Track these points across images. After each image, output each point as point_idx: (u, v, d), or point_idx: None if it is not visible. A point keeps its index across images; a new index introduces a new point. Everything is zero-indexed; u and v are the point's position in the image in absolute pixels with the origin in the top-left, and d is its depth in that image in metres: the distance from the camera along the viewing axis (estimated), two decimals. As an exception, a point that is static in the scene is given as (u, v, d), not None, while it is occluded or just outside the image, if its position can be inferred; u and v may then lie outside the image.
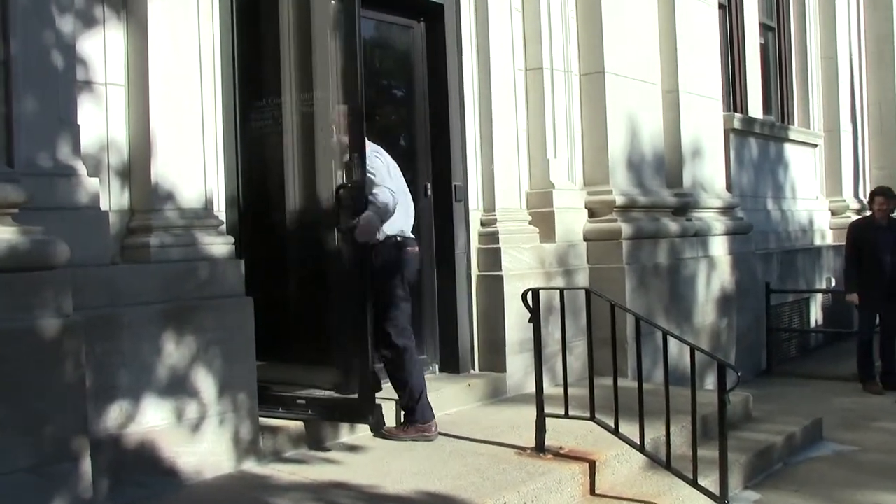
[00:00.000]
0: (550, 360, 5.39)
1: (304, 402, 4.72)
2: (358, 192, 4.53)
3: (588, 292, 4.78)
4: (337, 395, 4.77)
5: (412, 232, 5.01)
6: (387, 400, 4.89)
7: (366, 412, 4.62)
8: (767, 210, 9.69)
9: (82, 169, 3.89)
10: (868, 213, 8.62)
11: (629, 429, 4.45)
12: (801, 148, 10.59)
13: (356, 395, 4.60)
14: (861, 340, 7.70)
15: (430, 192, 6.01)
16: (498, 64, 6.19)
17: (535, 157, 6.47)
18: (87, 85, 4.11)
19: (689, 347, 4.29)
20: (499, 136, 6.16)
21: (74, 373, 3.42)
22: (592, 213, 6.74)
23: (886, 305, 7.53)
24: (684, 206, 7.41)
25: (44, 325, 3.34)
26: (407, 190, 5.03)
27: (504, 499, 3.93)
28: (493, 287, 5.96)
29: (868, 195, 8.13)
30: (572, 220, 6.58)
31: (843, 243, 10.50)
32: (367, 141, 4.61)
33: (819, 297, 10.11)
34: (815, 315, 10.10)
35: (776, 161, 10.00)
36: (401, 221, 4.88)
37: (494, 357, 5.94)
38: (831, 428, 6.03)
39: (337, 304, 4.80)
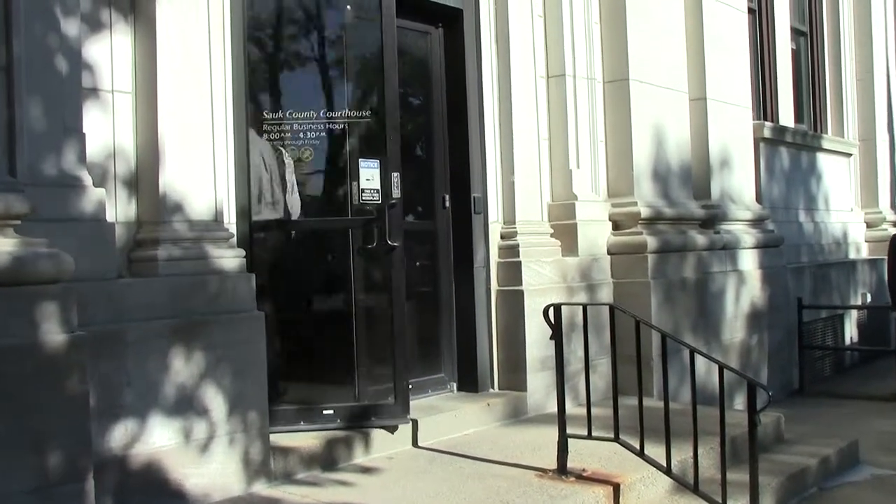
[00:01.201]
0: (573, 378, 5.27)
1: (331, 411, 4.79)
2: (398, 209, 4.89)
3: (612, 308, 4.65)
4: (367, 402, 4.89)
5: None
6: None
7: (403, 413, 4.88)
8: (799, 222, 9.48)
9: (88, 179, 3.81)
10: None
11: (655, 450, 4.32)
12: (835, 157, 10.36)
13: (392, 400, 4.85)
14: None
15: (448, 203, 5.89)
16: (518, 71, 6.05)
17: (556, 168, 6.33)
18: (93, 92, 4.03)
19: (717, 366, 4.18)
20: (519, 146, 6.02)
21: (79, 390, 3.33)
22: (616, 226, 6.58)
23: None
24: (712, 219, 7.24)
25: (47, 341, 3.24)
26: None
27: (524, 524, 3.81)
28: (513, 302, 5.81)
29: None
30: (595, 233, 6.42)
31: (879, 257, 10.32)
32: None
33: (854, 314, 9.86)
34: (850, 332, 9.85)
35: (808, 171, 9.77)
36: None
37: (515, 375, 5.79)
38: (868, 450, 5.85)
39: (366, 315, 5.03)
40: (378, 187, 4.92)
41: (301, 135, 4.91)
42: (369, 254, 5.00)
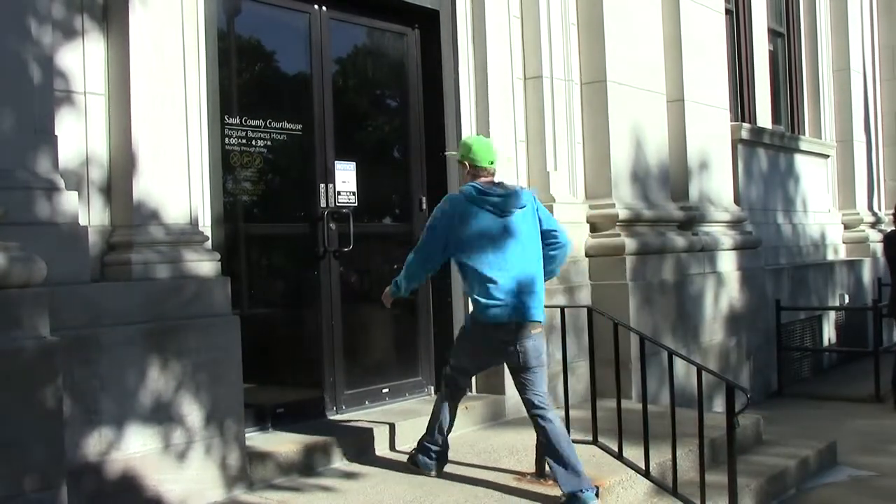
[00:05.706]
0: (551, 381, 5.24)
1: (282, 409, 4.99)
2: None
3: (590, 310, 4.64)
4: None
5: None
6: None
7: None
8: (777, 224, 9.50)
9: (60, 182, 3.76)
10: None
11: (634, 453, 4.32)
12: (813, 159, 10.40)
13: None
14: None
15: (424, 205, 5.85)
16: (495, 72, 6.02)
17: (534, 170, 6.30)
18: (66, 95, 3.98)
19: (696, 368, 4.17)
20: (497, 148, 5.95)
21: (51, 397, 3.27)
22: (594, 228, 6.57)
23: None
24: (691, 220, 7.24)
25: (19, 347, 3.19)
26: None
27: (501, 527, 3.79)
28: (491, 304, 5.76)
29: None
30: (573, 235, 6.31)
31: (857, 258, 10.38)
32: None
33: (832, 315, 9.89)
34: (828, 333, 9.89)
35: (786, 173, 9.81)
36: None
37: (493, 378, 5.72)
38: (847, 452, 5.86)
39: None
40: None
41: (254, 142, 4.94)
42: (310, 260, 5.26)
